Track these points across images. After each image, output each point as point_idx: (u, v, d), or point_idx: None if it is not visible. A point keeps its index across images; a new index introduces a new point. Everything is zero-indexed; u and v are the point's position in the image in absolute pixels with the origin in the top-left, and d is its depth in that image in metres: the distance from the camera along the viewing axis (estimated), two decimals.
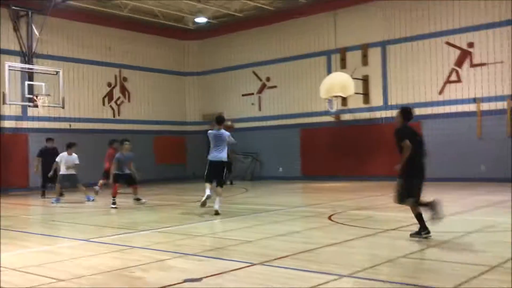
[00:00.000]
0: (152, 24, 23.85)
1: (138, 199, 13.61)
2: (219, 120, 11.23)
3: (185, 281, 5.20)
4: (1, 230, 9.44)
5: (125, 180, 13.65)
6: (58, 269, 5.95)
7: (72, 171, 14.95)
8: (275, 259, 6.10)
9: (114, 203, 12.86)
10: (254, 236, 7.77)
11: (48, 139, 16.72)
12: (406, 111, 7.74)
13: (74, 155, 15.00)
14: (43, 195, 16.48)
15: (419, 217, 7.32)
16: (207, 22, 23.87)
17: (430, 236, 7.15)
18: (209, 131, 11.40)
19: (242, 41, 24.42)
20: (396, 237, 7.57)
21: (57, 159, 14.98)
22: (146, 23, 23.68)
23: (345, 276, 5.24)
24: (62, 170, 14.86)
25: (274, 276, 5.41)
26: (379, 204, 12.09)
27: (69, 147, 15.11)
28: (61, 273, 5.69)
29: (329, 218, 9.64)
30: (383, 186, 17.58)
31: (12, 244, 7.80)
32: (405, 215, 9.99)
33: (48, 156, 15.92)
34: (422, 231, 7.22)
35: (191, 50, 26.10)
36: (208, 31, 25.24)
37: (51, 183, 15.63)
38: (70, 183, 15.03)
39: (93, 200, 14.77)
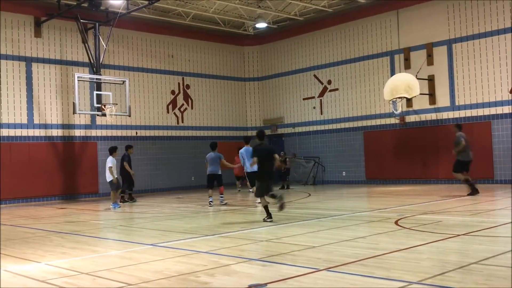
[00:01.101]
0: (213, 31, 24.22)
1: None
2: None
3: (250, 286, 5.18)
4: (71, 235, 9.81)
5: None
6: (127, 273, 6.08)
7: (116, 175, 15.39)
8: (341, 265, 5.98)
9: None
10: (319, 242, 7.66)
11: (129, 147, 17.52)
12: (260, 133, 10.97)
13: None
14: (123, 199, 17.12)
15: (266, 208, 10.43)
16: (267, 27, 23.97)
17: (271, 221, 10.14)
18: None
19: (302, 44, 24.35)
20: (467, 242, 7.26)
21: (110, 164, 15.32)
22: (207, 30, 24.06)
23: (414, 283, 5.06)
24: (112, 176, 15.24)
25: (340, 282, 5.30)
26: (448, 208, 11.67)
27: (115, 151, 15.66)
28: (130, 278, 5.81)
29: (396, 223, 9.38)
30: (452, 189, 16.99)
31: (82, 249, 8.07)
32: (476, 219, 9.62)
33: (128, 162, 16.97)
34: (267, 218, 10.28)
35: (251, 56, 26.28)
36: (268, 36, 25.34)
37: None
38: (117, 187, 15.46)
39: (119, 207, 15.28)
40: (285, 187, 20.85)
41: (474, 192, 14.24)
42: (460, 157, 14.51)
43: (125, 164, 17.02)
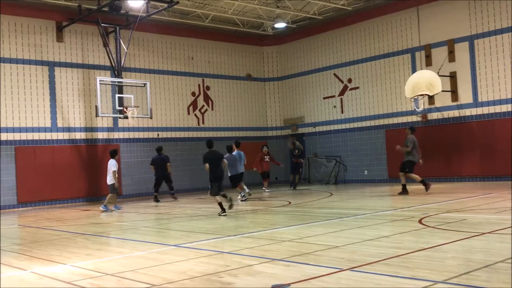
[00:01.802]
0: (232, 32, 24.28)
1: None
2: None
3: (274, 286, 5.19)
4: (96, 236, 9.93)
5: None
6: (151, 274, 6.14)
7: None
8: (364, 264, 5.95)
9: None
10: (342, 241, 7.64)
11: (160, 149, 18.51)
12: (208, 143, 13.05)
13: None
14: (174, 197, 18.41)
15: (220, 204, 12.31)
16: (286, 27, 23.94)
17: (225, 214, 12.07)
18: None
19: (321, 43, 24.27)
20: (492, 241, 7.16)
21: (115, 167, 15.37)
22: (226, 31, 24.14)
23: (439, 282, 5.02)
24: (115, 179, 15.43)
25: (364, 282, 5.28)
26: (472, 206, 11.53)
27: (117, 153, 15.99)
28: (154, 278, 5.87)
29: (420, 221, 9.30)
30: (475, 187, 16.79)
31: (107, 250, 8.17)
32: (501, 217, 9.48)
33: (158, 164, 18.15)
34: (221, 212, 12.16)
35: (271, 56, 26.28)
36: (286, 36, 25.32)
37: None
38: (117, 191, 15.85)
39: (120, 209, 15.82)
40: (294, 187, 20.63)
41: (404, 192, 15.24)
42: (411, 158, 15.40)
43: (169, 165, 18.24)
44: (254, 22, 23.81)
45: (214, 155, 12.69)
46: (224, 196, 12.48)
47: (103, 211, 15.30)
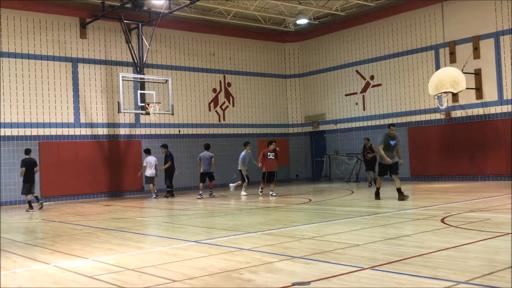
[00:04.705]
0: (254, 28, 24.27)
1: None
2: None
3: (294, 284, 5.17)
4: (117, 231, 10.02)
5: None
6: (172, 269, 6.17)
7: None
8: (386, 263, 5.89)
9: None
10: (363, 240, 7.57)
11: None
12: (26, 150, 15.66)
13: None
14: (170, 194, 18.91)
15: (29, 202, 15.24)
16: (308, 23, 23.84)
17: (33, 211, 14.93)
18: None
19: (343, 40, 24.11)
20: None
21: (156, 162, 18.61)
22: (248, 28, 24.13)
23: (462, 282, 4.94)
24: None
25: (385, 281, 5.22)
26: (497, 205, 11.34)
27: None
28: (175, 274, 5.89)
29: (442, 220, 9.18)
30: (500, 186, 16.51)
31: (128, 246, 8.23)
32: None
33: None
34: (29, 209, 15.11)
35: (292, 52, 26.20)
36: (308, 32, 25.21)
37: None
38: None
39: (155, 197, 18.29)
40: (370, 184, 20.21)
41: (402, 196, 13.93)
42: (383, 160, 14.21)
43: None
44: (276, 18, 23.76)
45: (30, 161, 15.40)
46: (37, 197, 15.50)
47: (153, 197, 18.16)
